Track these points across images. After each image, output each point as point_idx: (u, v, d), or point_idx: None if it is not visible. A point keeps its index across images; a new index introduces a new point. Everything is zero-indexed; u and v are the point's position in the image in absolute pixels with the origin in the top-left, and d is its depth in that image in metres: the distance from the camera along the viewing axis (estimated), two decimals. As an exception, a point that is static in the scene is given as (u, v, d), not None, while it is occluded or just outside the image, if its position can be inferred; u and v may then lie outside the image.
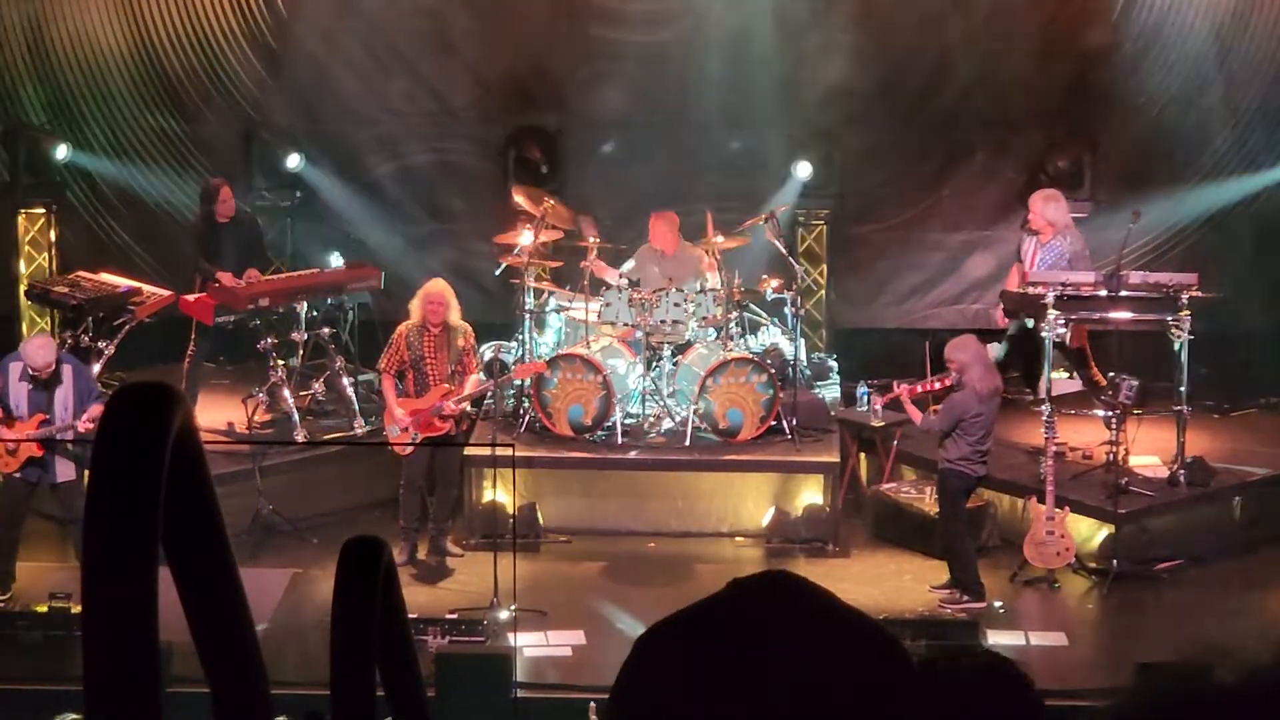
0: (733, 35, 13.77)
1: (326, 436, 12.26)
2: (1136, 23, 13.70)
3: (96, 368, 11.54)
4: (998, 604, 10.59)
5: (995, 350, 12.35)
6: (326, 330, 12.49)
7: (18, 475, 10.37)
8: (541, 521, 11.71)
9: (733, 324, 12.13)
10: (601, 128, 14.08)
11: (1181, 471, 11.45)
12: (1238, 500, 11.73)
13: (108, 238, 14.25)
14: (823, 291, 13.98)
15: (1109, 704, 1.79)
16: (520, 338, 12.22)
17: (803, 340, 12.79)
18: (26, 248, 14.00)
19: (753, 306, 12.69)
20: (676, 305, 11.82)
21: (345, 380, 12.40)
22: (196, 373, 12.40)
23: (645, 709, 1.54)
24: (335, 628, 1.86)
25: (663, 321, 11.85)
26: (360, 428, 12.22)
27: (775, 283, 12.34)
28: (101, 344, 11.95)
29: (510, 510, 11.23)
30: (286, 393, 12.06)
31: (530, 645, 10.00)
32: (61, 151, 13.75)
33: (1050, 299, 11.31)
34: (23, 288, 13.65)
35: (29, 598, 10.31)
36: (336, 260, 12.99)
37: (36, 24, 13.98)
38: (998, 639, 10.00)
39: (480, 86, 14.21)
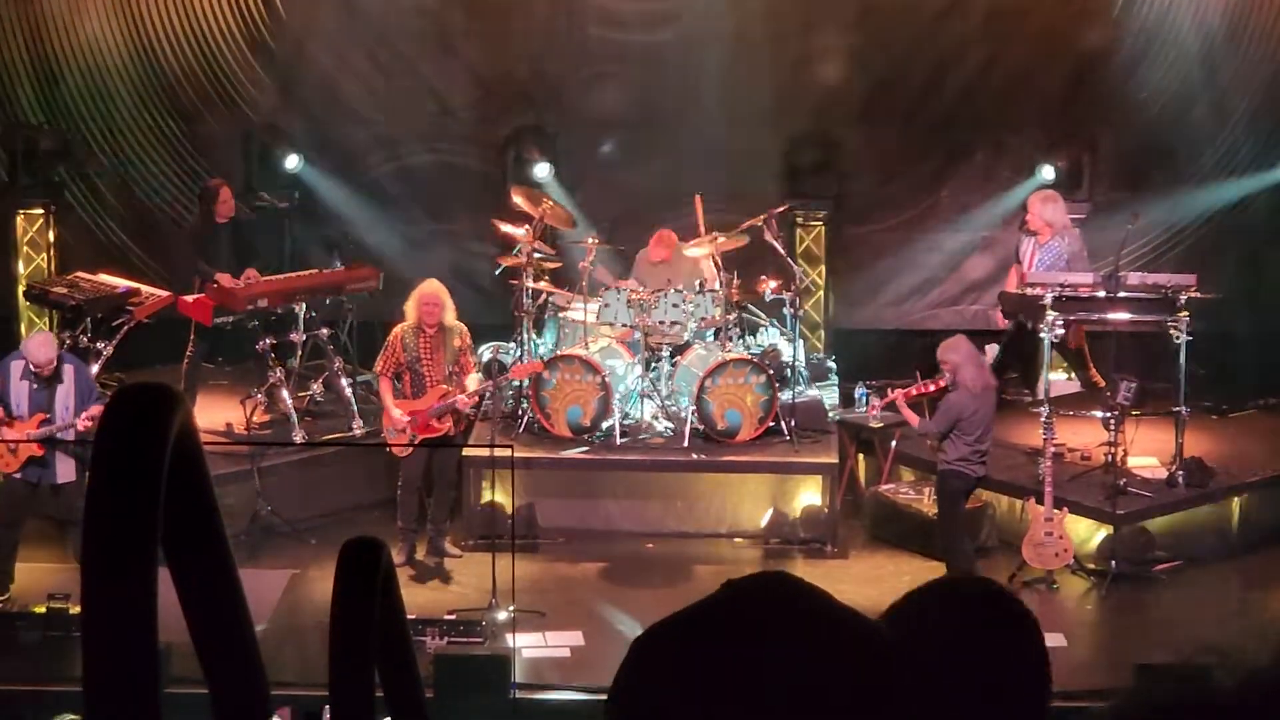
0: (731, 36, 13.77)
1: (325, 437, 12.25)
2: (1136, 22, 13.70)
3: (95, 368, 11.52)
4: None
5: (994, 351, 12.37)
6: (325, 331, 12.49)
7: (18, 476, 10.37)
8: (540, 522, 11.71)
9: (731, 325, 12.13)
10: (600, 128, 14.08)
11: (1180, 472, 11.45)
12: (1236, 501, 11.74)
13: (106, 238, 14.25)
14: (821, 292, 13.97)
15: (1108, 705, 1.78)
16: (519, 338, 12.22)
17: (801, 341, 12.79)
18: (25, 248, 13.99)
19: (751, 307, 12.70)
20: (675, 306, 11.82)
21: (344, 381, 12.40)
22: (195, 373, 12.39)
23: (643, 711, 1.55)
24: (334, 628, 1.86)
25: (661, 322, 11.85)
26: (359, 428, 12.21)
27: (774, 284, 12.35)
28: (100, 345, 11.94)
29: (509, 511, 11.22)
30: (285, 393, 12.05)
31: (529, 646, 10.00)
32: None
33: (1049, 300, 11.31)
34: (21, 288, 13.64)
35: (27, 598, 10.30)
36: (335, 261, 12.99)
37: (35, 24, 13.98)
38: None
39: (479, 87, 14.21)
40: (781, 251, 12.38)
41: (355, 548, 1.90)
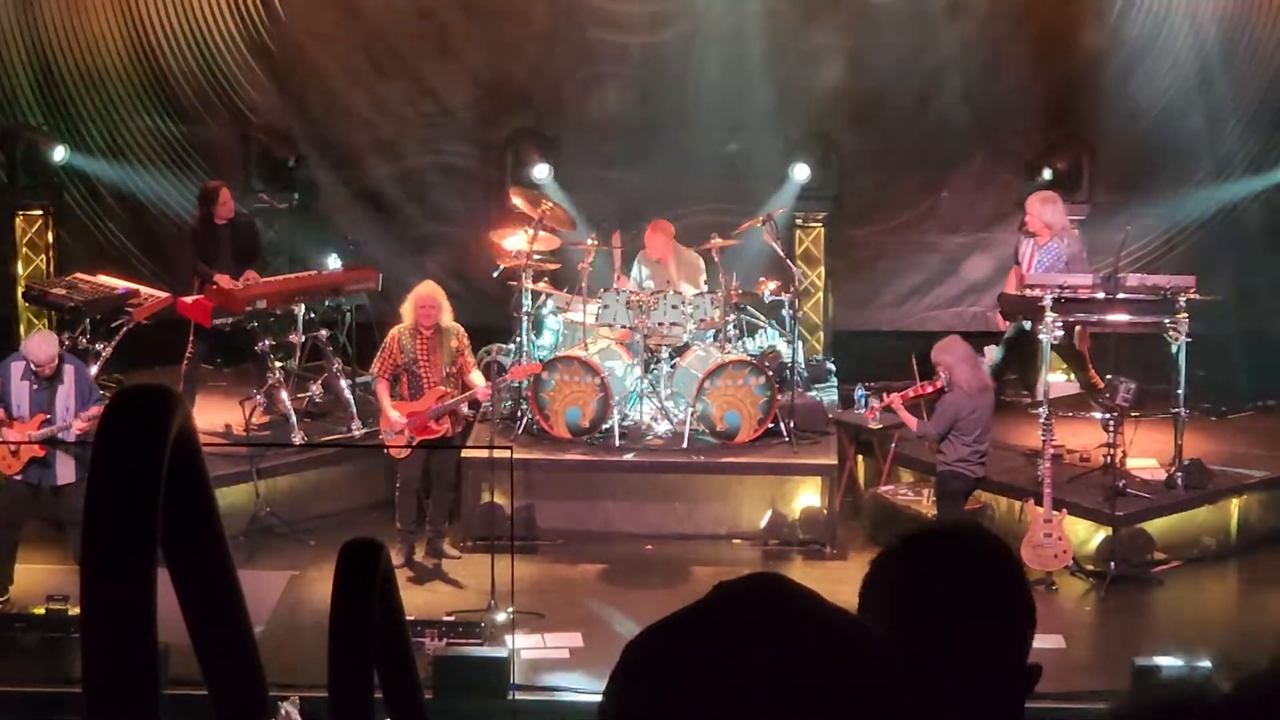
0: (731, 38, 13.78)
1: (324, 439, 12.25)
2: (1134, 25, 13.71)
3: (94, 370, 11.53)
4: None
5: (993, 353, 12.37)
6: (324, 332, 12.49)
7: (19, 478, 10.37)
8: (539, 524, 11.71)
9: (730, 326, 12.14)
10: (600, 130, 14.08)
11: (1179, 474, 11.45)
12: (1235, 503, 11.74)
13: (105, 240, 14.25)
14: (820, 294, 13.97)
15: (1108, 707, 1.79)
16: (518, 340, 12.22)
17: (800, 342, 12.80)
18: (24, 249, 14.00)
19: (750, 309, 12.70)
20: (674, 308, 11.83)
21: (343, 382, 12.40)
22: (194, 375, 12.39)
23: (636, 714, 1.55)
24: (333, 630, 1.86)
25: (660, 324, 11.86)
26: (358, 430, 12.21)
27: (773, 285, 12.35)
28: (99, 346, 11.95)
29: (508, 512, 11.22)
30: (284, 395, 12.05)
31: (528, 647, 10.00)
32: (59, 153, 13.75)
33: (1048, 301, 11.31)
34: (20, 289, 13.65)
35: (27, 600, 10.30)
36: (334, 262, 12.99)
37: (35, 26, 13.98)
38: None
39: (478, 88, 14.21)
40: (781, 253, 12.38)
41: (354, 549, 1.90)
